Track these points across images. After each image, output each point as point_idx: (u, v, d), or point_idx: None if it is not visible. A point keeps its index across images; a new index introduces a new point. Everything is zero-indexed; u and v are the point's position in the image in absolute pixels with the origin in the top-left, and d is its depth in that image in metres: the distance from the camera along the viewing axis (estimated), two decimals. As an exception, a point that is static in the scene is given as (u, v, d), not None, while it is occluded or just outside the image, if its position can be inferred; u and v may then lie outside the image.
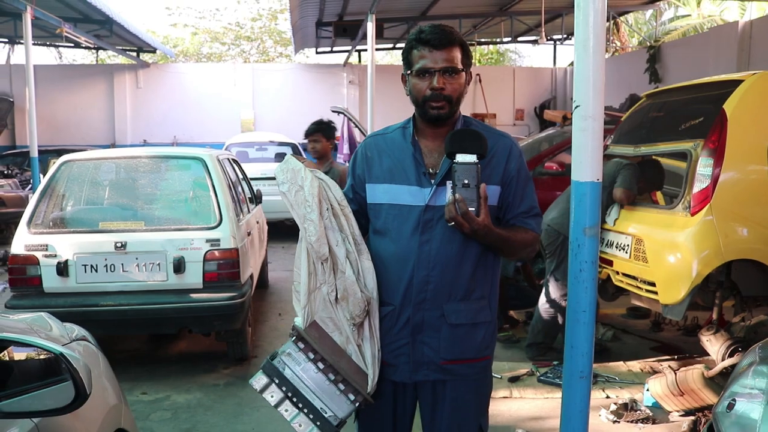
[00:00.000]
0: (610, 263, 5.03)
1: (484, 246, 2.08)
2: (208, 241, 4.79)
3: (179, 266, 4.71)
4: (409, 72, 2.11)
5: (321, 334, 2.04)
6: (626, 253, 4.83)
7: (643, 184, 5.10)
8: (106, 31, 14.63)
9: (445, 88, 2.05)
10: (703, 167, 4.32)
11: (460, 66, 2.07)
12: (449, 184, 1.98)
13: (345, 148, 14.02)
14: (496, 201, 2.12)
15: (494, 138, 2.13)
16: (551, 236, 5.19)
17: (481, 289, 2.14)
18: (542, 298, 5.20)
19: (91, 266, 4.70)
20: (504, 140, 2.16)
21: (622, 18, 17.59)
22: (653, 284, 4.55)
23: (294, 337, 2.06)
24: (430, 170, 2.10)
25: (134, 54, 17.72)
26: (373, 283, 2.11)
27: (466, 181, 1.93)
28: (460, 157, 1.95)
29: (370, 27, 11.17)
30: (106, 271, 4.71)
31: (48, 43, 18.30)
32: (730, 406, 1.96)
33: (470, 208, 1.93)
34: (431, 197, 2.06)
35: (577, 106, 2.30)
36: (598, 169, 2.31)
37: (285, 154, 10.86)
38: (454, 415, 2.15)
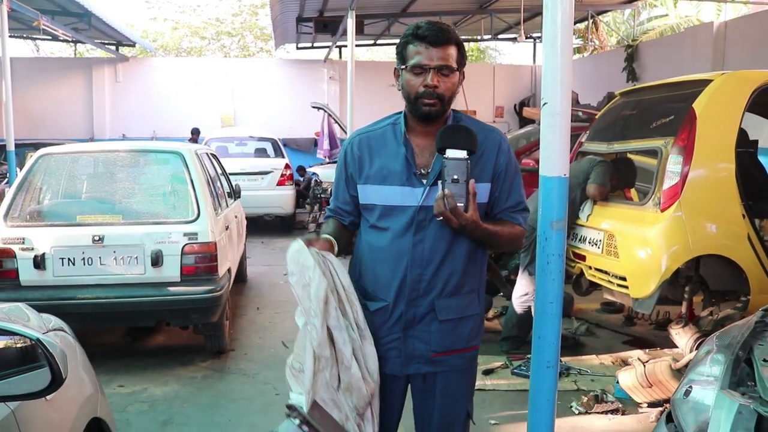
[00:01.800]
0: (583, 258, 5.12)
1: (472, 241, 2.12)
2: (185, 234, 4.82)
3: (157, 260, 4.73)
4: (403, 67, 2.10)
5: (322, 414, 1.99)
6: (599, 248, 4.92)
7: (615, 180, 5.20)
8: (85, 24, 14.50)
9: (439, 86, 2.05)
10: (673, 164, 4.42)
11: (455, 65, 2.07)
12: (441, 182, 1.99)
13: (325, 144, 14.05)
14: (486, 198, 2.15)
15: (484, 133, 2.14)
16: (526, 231, 5.25)
17: (470, 284, 2.20)
18: (516, 293, 5.27)
19: (69, 259, 4.71)
20: (493, 135, 2.18)
21: (600, 17, 17.75)
22: (624, 279, 4.65)
23: (298, 420, 1.97)
24: (422, 170, 2.11)
25: (113, 48, 17.59)
26: (375, 367, 2.09)
27: (455, 177, 1.95)
28: (450, 153, 1.97)
29: (351, 23, 11.19)
30: (84, 264, 4.71)
31: (25, 35, 18.10)
32: (687, 393, 2.04)
33: (459, 204, 1.95)
34: (424, 197, 2.09)
35: (545, 104, 2.37)
36: (564, 165, 2.38)
37: (264, 149, 10.83)
38: (444, 403, 2.21)
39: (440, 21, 2.10)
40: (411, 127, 2.16)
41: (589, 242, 5.05)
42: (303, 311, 2.00)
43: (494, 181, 2.15)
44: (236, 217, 6.71)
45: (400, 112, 2.22)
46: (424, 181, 2.09)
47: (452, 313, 2.16)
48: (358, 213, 2.27)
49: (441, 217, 1.98)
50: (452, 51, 2.06)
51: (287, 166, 11.40)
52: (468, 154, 1.97)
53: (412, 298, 2.14)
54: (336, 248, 2.15)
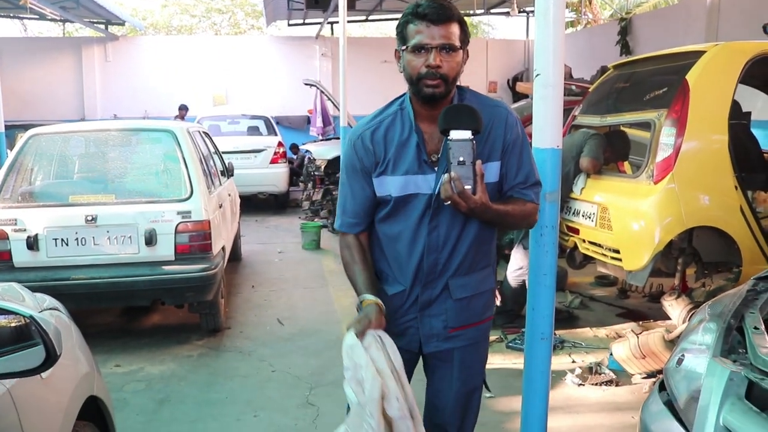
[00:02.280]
0: (576, 232, 5.13)
1: (483, 222, 2.10)
2: (179, 213, 4.81)
3: (151, 239, 4.72)
4: (404, 48, 2.02)
5: None
6: (592, 221, 4.93)
7: (609, 153, 5.20)
8: (73, 2, 14.32)
9: (442, 65, 1.97)
10: (666, 137, 4.42)
11: (458, 43, 1.99)
12: (447, 165, 1.94)
13: (318, 121, 13.96)
14: (497, 176, 2.10)
15: (489, 110, 2.08)
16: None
17: (484, 261, 2.21)
18: (511, 266, 5.29)
19: (62, 240, 4.70)
20: (499, 111, 2.11)
21: (594, -10, 17.66)
22: (618, 251, 4.67)
23: None
24: (432, 157, 2.07)
25: (102, 27, 17.40)
26: None
27: (461, 159, 1.89)
28: (455, 134, 1.90)
29: (342, -2, 11.08)
30: (77, 244, 4.71)
31: (12, 15, 17.88)
32: (680, 362, 2.06)
33: (466, 186, 1.89)
34: (437, 185, 2.04)
35: (537, 75, 2.36)
36: (557, 136, 2.38)
37: (257, 127, 10.82)
38: (462, 375, 2.25)
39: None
40: (417, 112, 2.10)
41: (583, 215, 5.06)
42: (355, 393, 1.97)
43: (503, 158, 2.09)
44: (230, 195, 6.70)
45: (404, 95, 2.15)
46: (436, 169, 2.06)
47: (467, 291, 2.18)
48: (376, 206, 2.20)
49: (449, 202, 1.93)
50: (454, 29, 1.99)
51: (280, 144, 11.38)
52: (473, 134, 1.91)
53: (428, 281, 2.16)
54: (383, 307, 2.10)
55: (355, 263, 2.18)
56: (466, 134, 1.90)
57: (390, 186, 2.11)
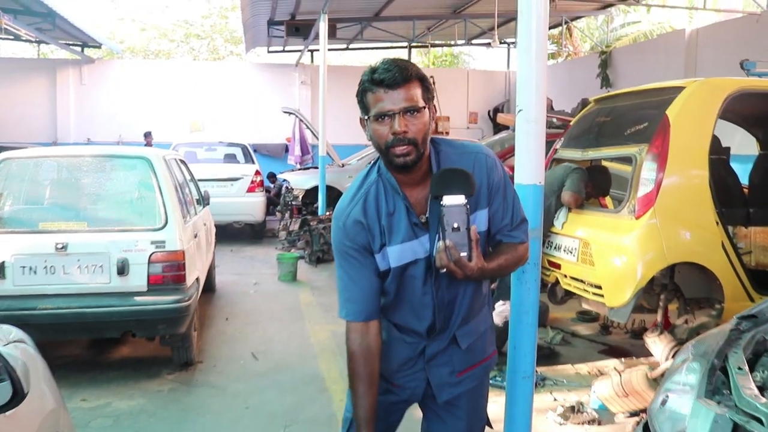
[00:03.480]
0: (558, 267, 5.15)
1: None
2: (153, 242, 4.76)
3: (123, 268, 4.66)
4: (366, 117, 1.99)
5: None
6: (574, 256, 4.96)
7: (590, 188, 5.25)
8: (49, 24, 14.29)
9: (408, 130, 1.93)
10: (647, 171, 4.47)
11: (421, 103, 1.95)
12: (440, 232, 1.91)
13: (296, 150, 14.01)
14: (485, 225, 2.09)
15: (468, 158, 2.07)
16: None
17: (481, 301, 2.22)
18: (496, 304, 5.30)
19: (30, 268, 4.62)
20: (479, 157, 2.09)
21: (574, 23, 17.97)
22: (600, 287, 4.69)
23: None
24: (422, 218, 2.06)
25: (78, 49, 17.37)
26: None
27: (455, 225, 1.87)
28: (448, 200, 1.88)
29: (323, 27, 11.19)
30: (46, 273, 4.63)
31: (-15, 36, 17.80)
32: (663, 402, 2.06)
33: (462, 253, 1.88)
34: (434, 244, 2.03)
35: (520, 110, 2.38)
36: (540, 173, 2.40)
37: (234, 155, 10.81)
38: (469, 416, 2.25)
39: (397, 59, 1.98)
40: (396, 178, 2.06)
41: (564, 250, 5.09)
42: None
43: (489, 203, 2.08)
44: (205, 224, 6.66)
45: (376, 161, 2.12)
46: (428, 228, 2.06)
47: (471, 336, 2.19)
48: (379, 296, 2.14)
49: (444, 270, 1.92)
50: (415, 89, 1.94)
51: (257, 173, 11.36)
52: (467, 198, 1.89)
53: (436, 336, 2.17)
54: None
55: (359, 380, 2.09)
56: (460, 199, 1.88)
57: (391, 258, 2.08)
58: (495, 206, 2.08)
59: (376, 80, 1.93)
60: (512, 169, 2.56)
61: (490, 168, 2.07)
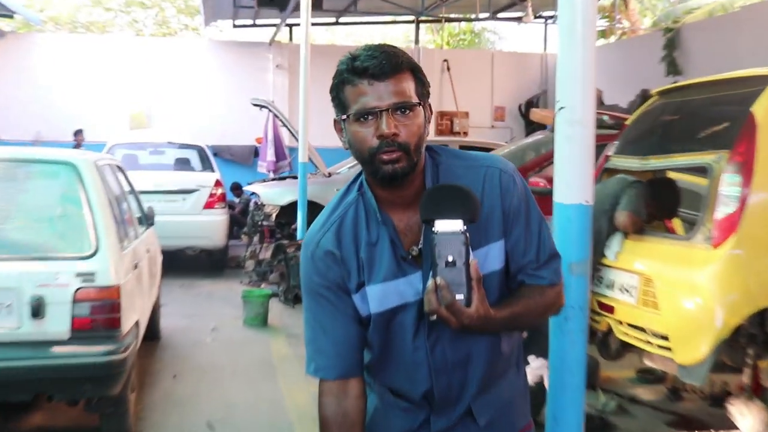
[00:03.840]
0: (611, 310, 5.14)
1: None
2: (79, 275, 4.73)
3: (38, 309, 4.63)
4: (344, 117, 1.98)
5: None
6: (632, 296, 4.94)
7: (653, 207, 5.24)
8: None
9: (399, 132, 1.93)
10: (729, 186, 4.46)
11: (415, 98, 1.96)
12: (431, 268, 1.90)
13: (269, 154, 14.05)
14: (501, 262, 2.07)
15: (477, 174, 2.06)
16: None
17: (506, 361, 2.17)
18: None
19: None
20: (491, 172, 2.07)
21: (632, -9, 18.10)
22: (666, 338, 4.66)
23: None
24: (412, 251, 2.05)
25: (-16, 21, 17.47)
26: None
27: (449, 259, 1.85)
28: (441, 225, 1.86)
29: (305, -6, 11.23)
30: (-63, 315, 4.61)
31: None
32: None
33: (458, 296, 1.85)
34: (425, 287, 1.96)
35: (561, 108, 2.37)
36: (587, 189, 2.38)
37: (188, 159, 10.82)
38: None
39: (383, 45, 1.98)
40: (380, 197, 2.06)
41: (620, 289, 5.07)
42: None
43: (506, 233, 2.06)
44: (148, 251, 6.65)
45: (359, 176, 2.13)
46: (421, 266, 2.03)
47: (491, 409, 2.14)
48: (363, 346, 2.14)
49: (434, 316, 1.88)
50: (407, 81, 1.96)
51: (218, 183, 11.36)
52: (466, 223, 1.87)
53: (442, 408, 2.12)
54: None
55: None
56: (456, 225, 1.86)
57: (370, 300, 2.07)
58: (514, 237, 2.06)
59: (357, 69, 1.93)
60: (550, 181, 2.55)
61: (507, 187, 2.06)
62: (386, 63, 1.91)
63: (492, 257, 2.04)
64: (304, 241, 2.15)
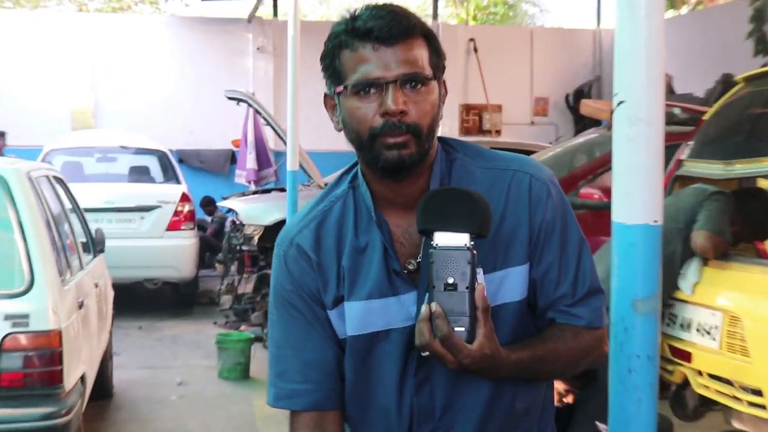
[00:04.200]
0: (687, 357, 5.13)
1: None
2: (8, 317, 4.76)
3: (-43, 361, 4.66)
4: (338, 91, 1.99)
5: None
6: (714, 340, 4.93)
7: (739, 225, 5.24)
8: None
9: (408, 110, 1.92)
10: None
11: (428, 70, 1.97)
12: (427, 291, 1.89)
13: (249, 161, 14.05)
14: (523, 292, 2.07)
15: (501, 180, 2.07)
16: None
17: (523, 423, 2.15)
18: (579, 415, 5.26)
19: None
20: (519, 178, 2.07)
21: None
22: (760, 393, 4.65)
23: None
24: (409, 265, 2.05)
25: None
26: None
27: (450, 281, 1.84)
28: (440, 238, 1.86)
29: (294, -42, 11.30)
30: None
31: None
32: None
33: (457, 328, 1.84)
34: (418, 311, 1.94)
35: (620, 103, 2.37)
36: (655, 205, 2.37)
37: (147, 168, 10.85)
38: None
39: (390, 4, 1.98)
40: (378, 193, 2.07)
41: (698, 330, 5.06)
42: None
43: (532, 256, 2.06)
44: (96, 285, 6.67)
45: (354, 166, 2.16)
46: (418, 283, 2.03)
47: None
48: (339, 372, 2.14)
49: (427, 352, 1.87)
50: (420, 48, 1.96)
51: (185, 198, 11.39)
52: (473, 238, 1.86)
53: None
54: None
55: None
56: (461, 239, 1.86)
57: (342, 320, 2.08)
58: (545, 264, 2.06)
59: (359, 30, 1.94)
60: (607, 193, 2.54)
61: (539, 197, 2.06)
62: (395, 24, 1.92)
63: (510, 285, 2.03)
64: (278, 239, 2.18)
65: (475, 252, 1.85)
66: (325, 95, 2.06)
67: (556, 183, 2.11)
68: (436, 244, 1.85)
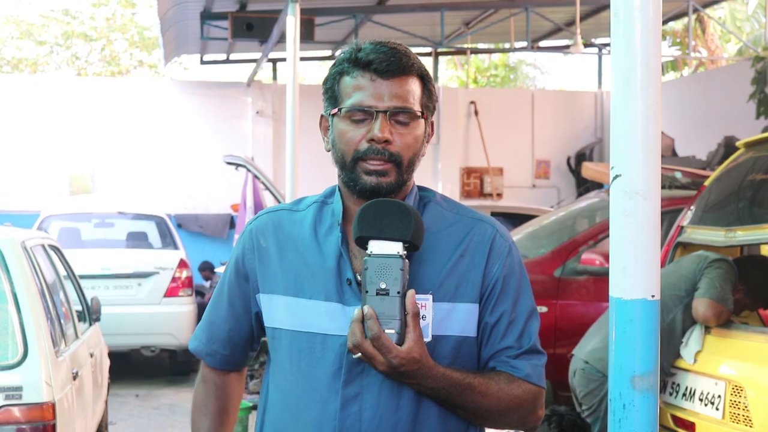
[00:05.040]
0: (691, 428, 5.09)
1: (433, 398, 2.10)
2: (1, 390, 4.72)
3: (-52, 436, 4.63)
4: (333, 112, 2.16)
5: None
6: (717, 410, 4.90)
7: (742, 293, 5.23)
8: None
9: (393, 140, 2.09)
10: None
11: (418, 108, 2.14)
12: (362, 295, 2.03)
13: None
14: (472, 329, 2.16)
15: (464, 226, 2.21)
16: (592, 380, 5.28)
17: None
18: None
19: None
20: (482, 228, 2.21)
21: (709, 11, 18.20)
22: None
23: None
24: (358, 277, 2.12)
25: None
26: None
27: (382, 286, 1.97)
28: (375, 246, 2.00)
29: (293, 23, 11.34)
30: None
31: None
32: None
33: (388, 330, 1.95)
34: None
35: (616, 177, 2.38)
36: (652, 279, 2.37)
37: (144, 234, 10.82)
38: None
39: (394, 42, 2.17)
40: (348, 210, 2.21)
41: (701, 399, 5.03)
42: None
43: (484, 302, 2.16)
44: (92, 355, 6.63)
45: (335, 187, 2.29)
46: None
47: None
48: (246, 346, 2.41)
49: (358, 354, 1.98)
50: (413, 86, 2.14)
51: (183, 264, 11.36)
52: (406, 248, 2.00)
53: None
54: None
55: (203, 414, 2.43)
56: (394, 247, 1.99)
57: (282, 314, 2.19)
58: (497, 313, 2.17)
59: (361, 61, 2.12)
60: (607, 258, 2.54)
61: (499, 251, 2.20)
62: (394, 60, 2.10)
63: (457, 319, 2.13)
64: (252, 219, 2.38)
65: (406, 260, 1.99)
66: (321, 116, 2.24)
67: (518, 250, 2.26)
68: (371, 252, 2.00)
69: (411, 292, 1.97)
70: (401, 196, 2.17)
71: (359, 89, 2.10)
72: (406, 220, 2.01)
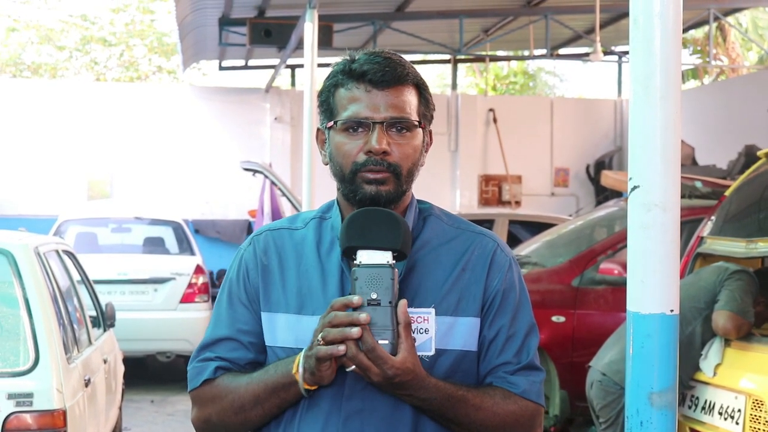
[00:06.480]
0: (710, 443, 5.05)
1: (429, 413, 2.10)
2: (12, 397, 4.70)
3: (-42, 443, 4.61)
4: (329, 125, 2.16)
5: None
6: (737, 424, 4.86)
7: (763, 306, 5.19)
8: None
9: (391, 151, 2.09)
10: None
11: (415, 117, 2.14)
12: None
13: (264, 231, 14.03)
14: (473, 344, 2.16)
15: (464, 240, 2.22)
16: (609, 393, 5.23)
17: None
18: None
19: None
20: (483, 241, 2.22)
21: (731, 18, 18.14)
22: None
23: None
24: None
25: None
26: None
27: (374, 296, 1.96)
28: (364, 256, 2.00)
29: (311, 29, 11.35)
30: None
31: None
32: None
33: (382, 341, 1.95)
34: None
35: (634, 188, 2.33)
36: (671, 294, 2.32)
37: (161, 239, 10.81)
38: None
39: (388, 52, 2.18)
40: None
41: (720, 413, 4.99)
42: None
43: (483, 316, 2.17)
44: (106, 361, 6.63)
45: (332, 202, 2.30)
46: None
47: None
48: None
49: (353, 366, 1.97)
50: (410, 96, 2.14)
51: (199, 270, 11.37)
52: (395, 258, 2.00)
53: None
54: None
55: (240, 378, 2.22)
56: (383, 257, 1.99)
57: (283, 332, 2.18)
58: (495, 328, 2.17)
59: (355, 72, 2.11)
60: (625, 267, 2.49)
61: (500, 265, 2.21)
62: (389, 70, 2.10)
63: (458, 333, 2.13)
64: (252, 236, 2.33)
65: (395, 269, 2.00)
66: (318, 129, 2.25)
67: (518, 265, 2.27)
68: (360, 262, 2.00)
69: (403, 302, 1.98)
70: (401, 207, 2.17)
71: (355, 101, 2.10)
72: (395, 228, 2.02)
